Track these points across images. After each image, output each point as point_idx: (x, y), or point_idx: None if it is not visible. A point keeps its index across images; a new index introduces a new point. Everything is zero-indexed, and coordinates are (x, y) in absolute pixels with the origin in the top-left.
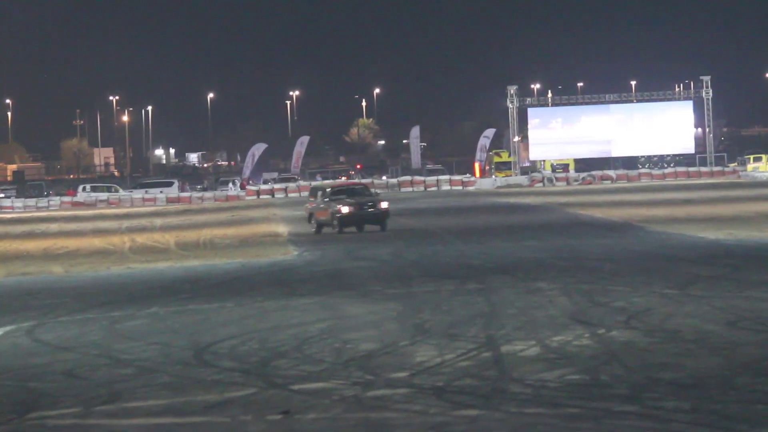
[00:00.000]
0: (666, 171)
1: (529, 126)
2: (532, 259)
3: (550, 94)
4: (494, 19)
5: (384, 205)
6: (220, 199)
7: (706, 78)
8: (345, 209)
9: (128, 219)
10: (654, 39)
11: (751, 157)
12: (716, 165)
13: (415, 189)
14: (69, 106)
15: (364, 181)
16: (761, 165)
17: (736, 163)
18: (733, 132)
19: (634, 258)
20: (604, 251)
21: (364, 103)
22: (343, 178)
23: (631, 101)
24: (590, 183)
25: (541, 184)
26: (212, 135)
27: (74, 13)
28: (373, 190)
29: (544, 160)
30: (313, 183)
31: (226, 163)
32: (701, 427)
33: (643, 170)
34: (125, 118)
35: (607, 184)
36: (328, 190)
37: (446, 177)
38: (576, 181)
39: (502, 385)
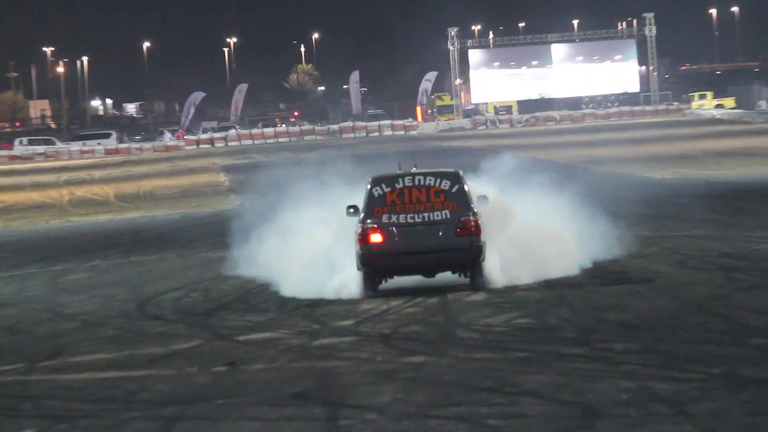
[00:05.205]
0: (610, 111)
1: (470, 68)
2: None
3: (491, 36)
4: None
5: None
6: (160, 150)
7: (650, 15)
8: None
9: (66, 172)
10: None
11: (696, 94)
12: (661, 104)
13: (357, 135)
14: (2, 57)
15: (305, 128)
16: (706, 102)
17: (679, 102)
18: (677, 69)
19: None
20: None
21: (302, 49)
22: (282, 126)
23: (574, 41)
24: (534, 125)
25: (484, 127)
26: (149, 85)
27: None
28: None
29: (486, 103)
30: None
31: (164, 112)
32: (652, 368)
33: (587, 110)
34: (60, 69)
35: (551, 126)
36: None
37: (388, 122)
38: (519, 123)
39: (449, 331)
